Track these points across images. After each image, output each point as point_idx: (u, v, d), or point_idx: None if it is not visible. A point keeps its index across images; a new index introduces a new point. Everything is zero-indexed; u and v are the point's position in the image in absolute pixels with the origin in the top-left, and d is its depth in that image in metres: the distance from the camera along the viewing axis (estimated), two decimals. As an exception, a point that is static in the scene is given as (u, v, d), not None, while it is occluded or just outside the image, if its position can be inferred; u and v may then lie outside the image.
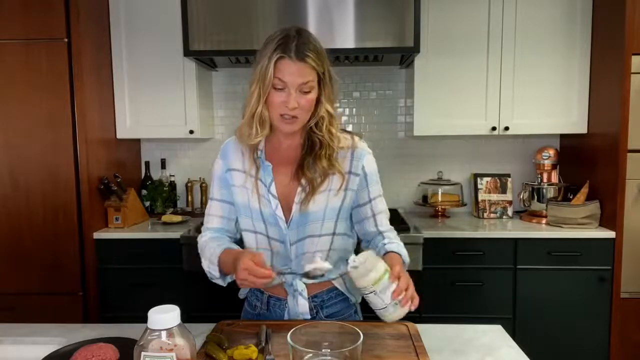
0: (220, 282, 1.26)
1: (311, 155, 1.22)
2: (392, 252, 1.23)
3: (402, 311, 1.05)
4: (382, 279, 1.03)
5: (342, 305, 1.33)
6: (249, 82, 1.19)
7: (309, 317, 1.26)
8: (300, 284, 1.26)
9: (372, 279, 1.03)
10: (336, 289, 1.31)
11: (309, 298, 1.28)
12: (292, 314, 1.27)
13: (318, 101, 1.18)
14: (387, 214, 1.33)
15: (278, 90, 1.14)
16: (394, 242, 1.27)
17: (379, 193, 1.30)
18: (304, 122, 1.19)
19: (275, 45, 1.12)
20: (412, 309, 1.07)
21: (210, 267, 1.25)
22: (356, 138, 1.28)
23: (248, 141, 1.23)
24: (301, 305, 1.25)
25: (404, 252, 1.25)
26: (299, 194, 1.22)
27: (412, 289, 1.07)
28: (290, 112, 1.15)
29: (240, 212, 1.29)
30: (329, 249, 1.27)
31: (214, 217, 1.33)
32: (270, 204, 1.23)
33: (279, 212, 1.23)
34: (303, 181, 1.22)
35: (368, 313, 1.43)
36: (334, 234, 1.26)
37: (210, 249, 1.25)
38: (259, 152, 1.25)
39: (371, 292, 1.05)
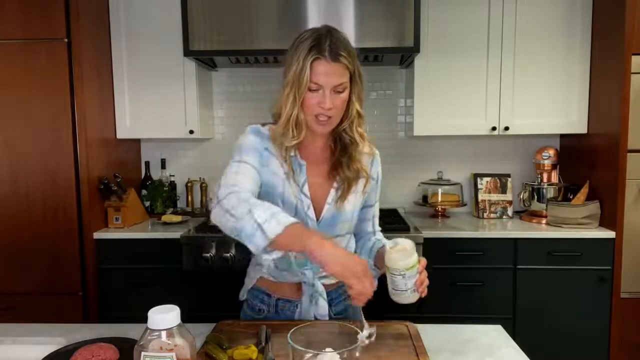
0: (260, 240, 0.99)
1: (346, 156, 1.24)
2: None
3: (416, 297, 1.12)
4: (414, 267, 1.09)
5: (350, 303, 1.33)
6: (282, 85, 1.16)
7: (327, 318, 1.25)
8: (320, 285, 1.26)
9: (408, 264, 1.09)
10: (344, 286, 1.31)
11: None
12: (304, 316, 1.26)
13: (349, 100, 1.19)
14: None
15: (313, 91, 1.13)
16: (382, 239, 1.35)
17: (379, 197, 1.39)
18: (336, 122, 1.20)
19: (309, 46, 1.10)
20: (423, 295, 1.13)
21: (269, 220, 0.99)
22: (372, 145, 1.33)
23: (285, 143, 1.17)
24: (321, 307, 1.25)
25: None
26: (334, 194, 1.24)
27: (427, 280, 1.13)
28: (326, 113, 1.14)
29: (270, 198, 1.17)
30: (344, 248, 1.29)
31: (246, 179, 1.13)
32: (302, 204, 1.22)
33: (311, 212, 1.22)
34: (338, 179, 1.24)
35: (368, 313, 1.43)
36: (350, 233, 1.33)
37: (276, 208, 1.03)
38: (292, 151, 1.21)
39: (400, 275, 1.09)
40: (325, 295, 1.26)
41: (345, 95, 1.16)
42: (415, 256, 1.10)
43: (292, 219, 1.01)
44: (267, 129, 1.23)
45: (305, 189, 1.22)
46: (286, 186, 1.20)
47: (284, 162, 1.21)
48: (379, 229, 1.41)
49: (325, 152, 1.27)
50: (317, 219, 1.23)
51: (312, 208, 1.23)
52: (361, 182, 1.27)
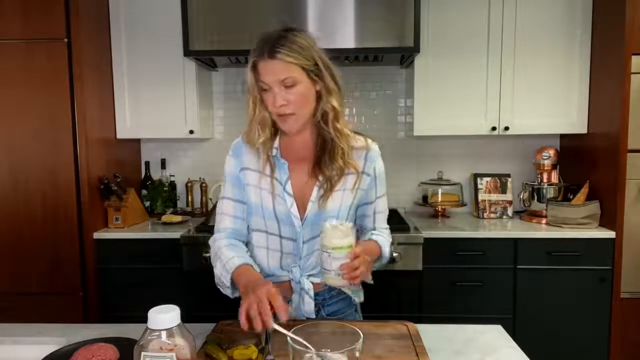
0: (228, 292, 1.23)
1: (326, 154, 1.23)
2: (375, 241, 1.28)
3: (342, 282, 1.10)
4: (342, 249, 1.08)
5: (343, 304, 1.33)
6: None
7: (313, 316, 1.26)
8: (307, 283, 1.26)
9: (334, 243, 1.08)
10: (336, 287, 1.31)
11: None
12: (296, 313, 1.27)
13: (319, 95, 1.20)
14: (386, 213, 1.38)
15: (266, 91, 1.17)
16: (382, 235, 1.32)
17: (383, 193, 1.34)
18: (303, 118, 1.20)
19: (253, 49, 1.16)
20: (353, 283, 1.11)
21: (222, 274, 1.21)
22: (369, 140, 1.30)
23: (253, 143, 1.25)
24: (307, 304, 1.26)
25: (385, 245, 1.30)
26: (316, 192, 1.23)
27: (361, 270, 1.09)
28: (281, 110, 1.16)
29: (252, 211, 1.29)
30: None
31: (226, 217, 1.31)
32: (285, 203, 1.23)
33: (294, 210, 1.23)
34: (320, 179, 1.23)
35: (368, 313, 1.43)
36: None
37: (227, 257, 1.22)
38: (274, 151, 1.26)
39: (327, 253, 1.09)
40: (311, 294, 1.26)
41: (299, 89, 1.15)
42: (347, 240, 1.09)
43: (237, 263, 1.18)
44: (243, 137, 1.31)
45: (288, 187, 1.23)
46: (264, 195, 1.25)
47: (265, 162, 1.25)
48: (385, 226, 1.37)
49: (309, 150, 1.27)
50: (302, 217, 1.23)
51: (295, 206, 1.23)
52: (350, 178, 1.24)
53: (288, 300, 1.28)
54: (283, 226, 1.25)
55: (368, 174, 1.28)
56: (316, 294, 1.29)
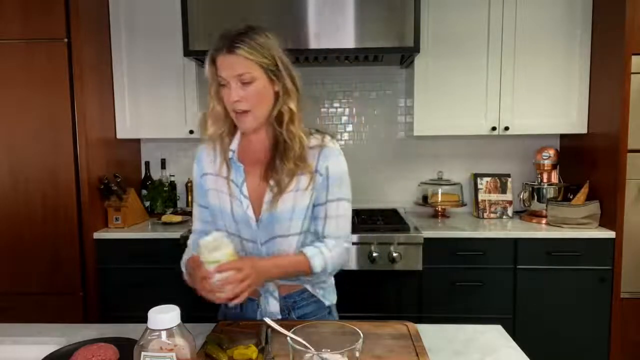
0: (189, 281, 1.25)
1: (278, 156, 1.22)
2: (304, 254, 1.21)
3: (220, 296, 1.08)
4: (208, 264, 1.07)
5: (315, 307, 1.32)
6: None
7: (279, 317, 1.26)
8: (271, 284, 1.26)
9: (205, 258, 1.08)
10: (307, 290, 1.31)
11: (282, 298, 1.28)
12: (264, 314, 1.27)
13: (277, 96, 1.20)
14: (341, 221, 1.26)
15: (223, 86, 1.18)
16: (318, 247, 1.23)
17: (338, 196, 1.25)
18: (259, 117, 1.20)
19: (213, 45, 1.18)
20: (233, 299, 1.10)
21: (183, 268, 1.30)
22: (327, 138, 1.26)
23: (208, 139, 1.27)
24: (272, 305, 1.27)
25: (315, 257, 1.20)
26: (268, 195, 1.22)
27: (245, 284, 1.07)
28: (236, 107, 1.17)
29: (214, 214, 1.30)
30: (297, 248, 1.26)
31: (197, 221, 1.37)
32: (242, 205, 1.24)
33: (250, 212, 1.23)
34: (271, 182, 1.22)
35: (367, 313, 1.43)
36: (300, 233, 1.25)
37: (186, 256, 1.31)
38: (230, 153, 1.26)
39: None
40: (276, 295, 1.27)
41: (256, 86, 1.15)
42: (214, 254, 1.07)
43: (185, 259, 1.28)
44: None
45: (244, 189, 1.24)
46: (222, 198, 1.26)
47: (222, 165, 1.26)
48: (332, 234, 1.25)
49: (264, 152, 1.26)
50: (258, 219, 1.23)
51: (251, 208, 1.23)
52: (303, 179, 1.22)
53: (257, 304, 1.29)
54: (242, 228, 1.25)
55: (320, 173, 1.23)
56: (286, 296, 1.29)
